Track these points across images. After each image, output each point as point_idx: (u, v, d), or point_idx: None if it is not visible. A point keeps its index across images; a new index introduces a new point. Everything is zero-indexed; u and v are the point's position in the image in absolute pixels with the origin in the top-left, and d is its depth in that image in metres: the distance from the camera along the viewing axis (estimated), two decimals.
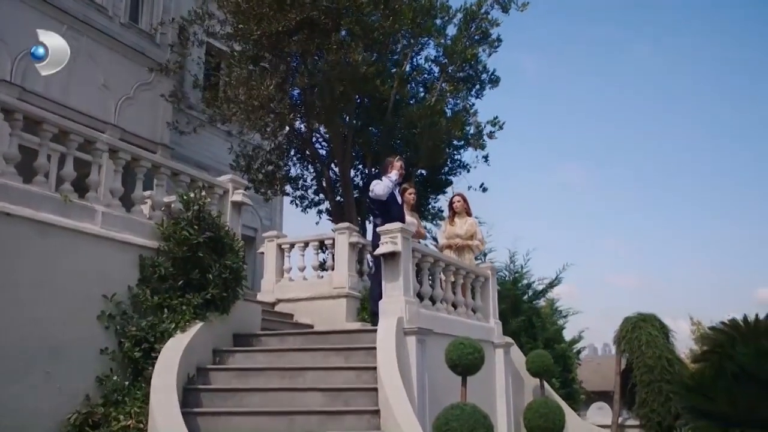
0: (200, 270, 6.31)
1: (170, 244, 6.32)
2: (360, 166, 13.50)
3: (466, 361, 5.67)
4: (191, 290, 6.28)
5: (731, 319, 14.54)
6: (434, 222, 13.64)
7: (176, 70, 11.68)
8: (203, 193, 6.78)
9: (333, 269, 9.43)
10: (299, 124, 12.56)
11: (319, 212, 13.63)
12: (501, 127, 12.72)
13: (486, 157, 13.01)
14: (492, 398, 7.88)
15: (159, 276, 6.22)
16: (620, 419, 18.32)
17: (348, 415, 5.45)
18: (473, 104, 13.00)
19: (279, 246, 9.89)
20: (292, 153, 13.45)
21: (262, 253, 10.07)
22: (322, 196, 13.49)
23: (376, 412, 5.45)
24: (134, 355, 5.80)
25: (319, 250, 9.90)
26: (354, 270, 9.31)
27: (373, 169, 13.34)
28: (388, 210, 7.34)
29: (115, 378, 5.69)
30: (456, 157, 13.51)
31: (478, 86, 13.25)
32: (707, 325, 20.23)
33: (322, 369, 6.02)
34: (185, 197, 6.53)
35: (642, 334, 17.33)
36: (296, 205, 13.43)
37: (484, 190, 13.35)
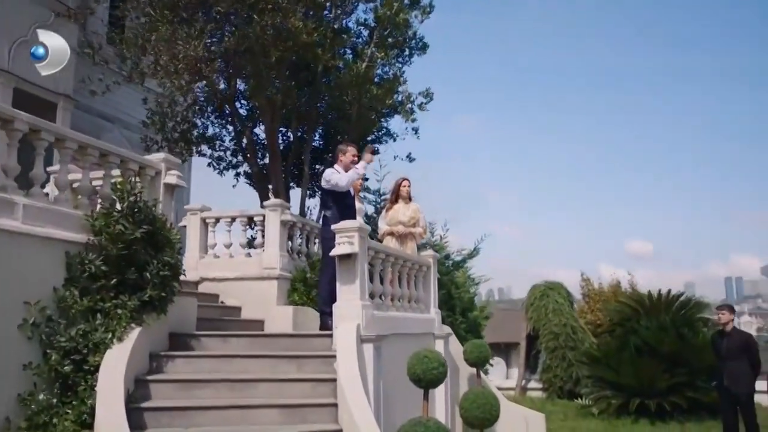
0: (137, 268, 5.64)
1: (102, 239, 5.59)
2: (282, 129, 12.78)
3: (430, 376, 5.45)
4: (126, 290, 5.59)
5: (636, 293, 15.41)
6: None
7: (84, 14, 10.30)
8: (138, 181, 6.04)
9: (262, 248, 8.93)
10: (218, 79, 11.61)
11: (237, 175, 12.88)
12: (432, 98, 12.43)
13: (416, 130, 12.69)
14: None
15: (89, 275, 5.46)
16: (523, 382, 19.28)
17: None
18: (403, 72, 12.58)
19: (203, 220, 9.22)
20: (210, 110, 12.53)
21: (184, 226, 9.35)
22: (241, 158, 12.72)
23: None
24: (63, 369, 5.09)
25: (248, 227, 9.32)
26: (285, 250, 8.85)
27: (298, 133, 12.70)
28: (342, 201, 6.90)
29: (41, 396, 4.98)
30: (383, 125, 13.11)
31: (407, 52, 12.82)
32: (588, 278, 21.22)
33: (275, 380, 5.61)
34: (119, 186, 5.77)
35: (549, 302, 18.24)
36: (213, 167, 12.59)
37: (411, 160, 13.11)
